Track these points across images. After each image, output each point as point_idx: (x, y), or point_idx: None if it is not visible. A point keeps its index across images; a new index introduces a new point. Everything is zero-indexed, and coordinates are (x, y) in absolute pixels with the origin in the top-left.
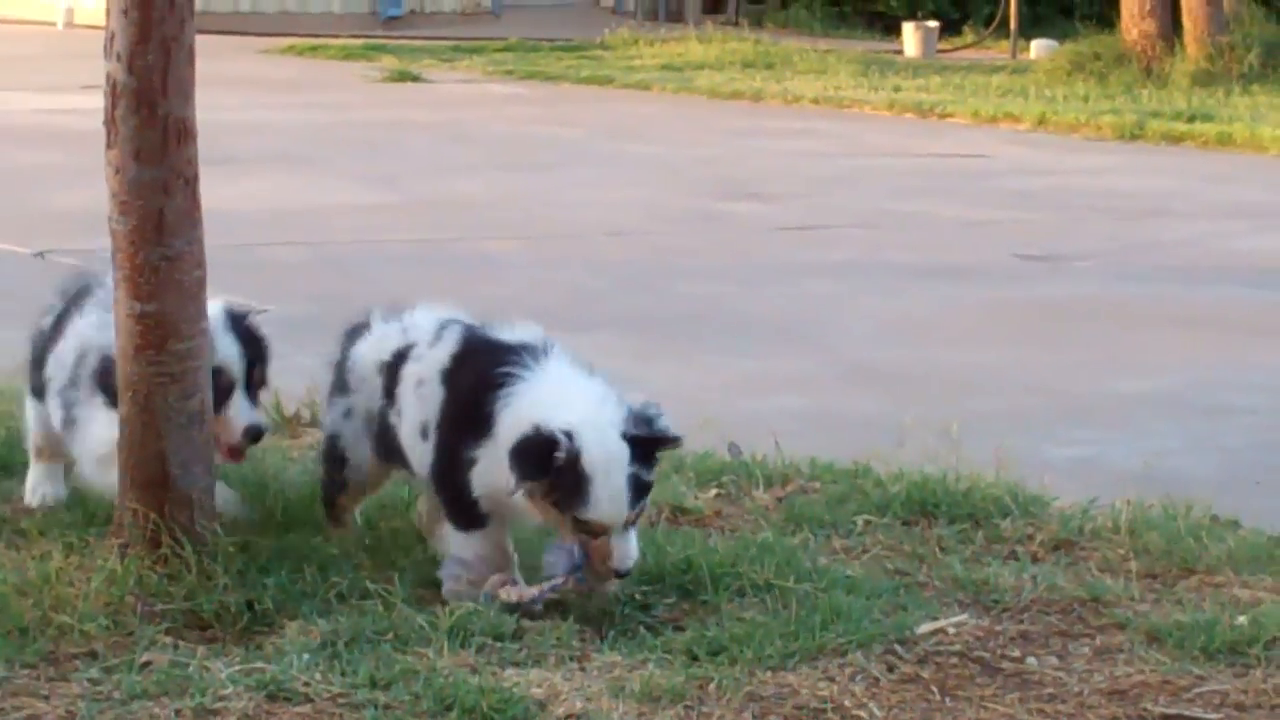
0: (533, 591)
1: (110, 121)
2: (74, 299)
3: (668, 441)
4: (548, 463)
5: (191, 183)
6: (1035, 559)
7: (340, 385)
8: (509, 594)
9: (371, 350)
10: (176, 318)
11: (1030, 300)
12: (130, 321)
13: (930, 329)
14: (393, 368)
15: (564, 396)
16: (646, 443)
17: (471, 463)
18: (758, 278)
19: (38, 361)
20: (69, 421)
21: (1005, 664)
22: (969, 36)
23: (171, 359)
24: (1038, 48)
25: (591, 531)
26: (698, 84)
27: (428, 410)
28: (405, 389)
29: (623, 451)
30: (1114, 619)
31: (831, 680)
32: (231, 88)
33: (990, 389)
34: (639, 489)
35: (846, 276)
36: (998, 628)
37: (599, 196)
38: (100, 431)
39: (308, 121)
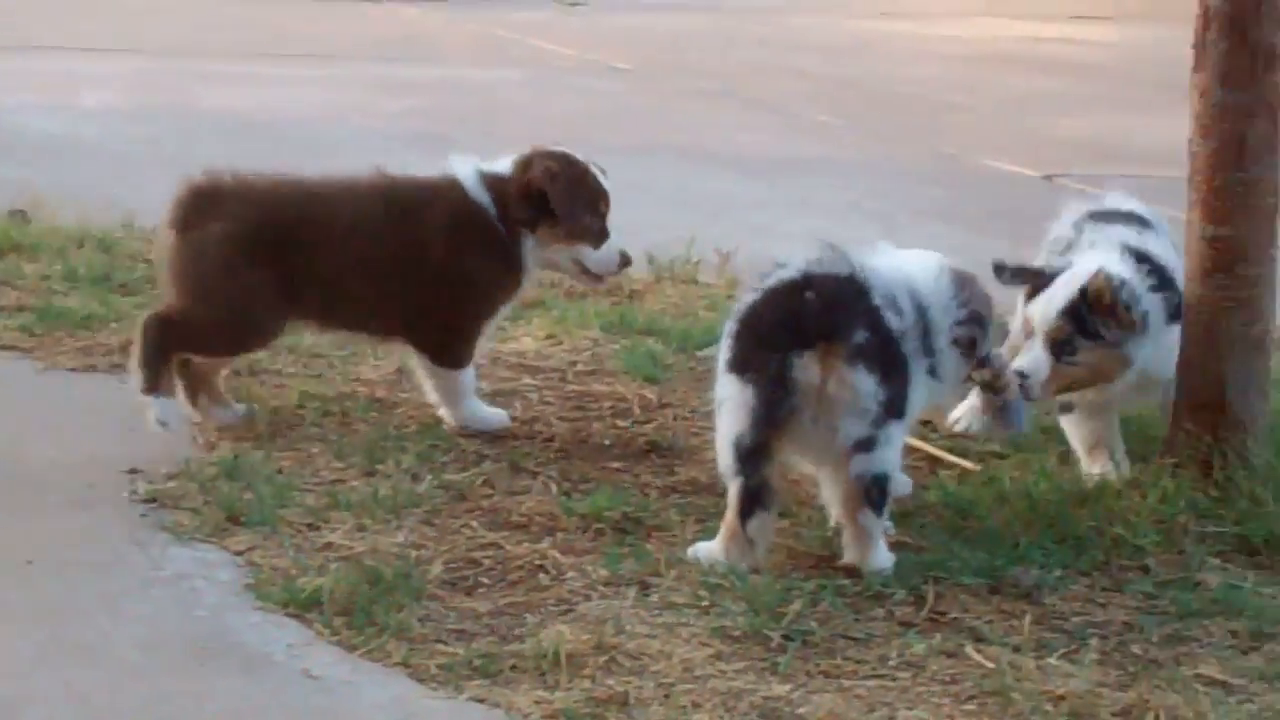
0: None
1: (1199, 45)
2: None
3: None
4: None
5: (1274, 108)
6: None
7: None
8: None
9: None
10: (1247, 241)
11: None
12: (1202, 244)
13: None
14: None
15: None
16: None
17: None
18: None
19: None
20: None
21: None
22: None
23: (1238, 283)
24: None
25: None
26: None
27: None
28: None
29: None
30: None
31: None
32: None
33: None
34: None
35: None
36: None
37: None
38: None
39: None
